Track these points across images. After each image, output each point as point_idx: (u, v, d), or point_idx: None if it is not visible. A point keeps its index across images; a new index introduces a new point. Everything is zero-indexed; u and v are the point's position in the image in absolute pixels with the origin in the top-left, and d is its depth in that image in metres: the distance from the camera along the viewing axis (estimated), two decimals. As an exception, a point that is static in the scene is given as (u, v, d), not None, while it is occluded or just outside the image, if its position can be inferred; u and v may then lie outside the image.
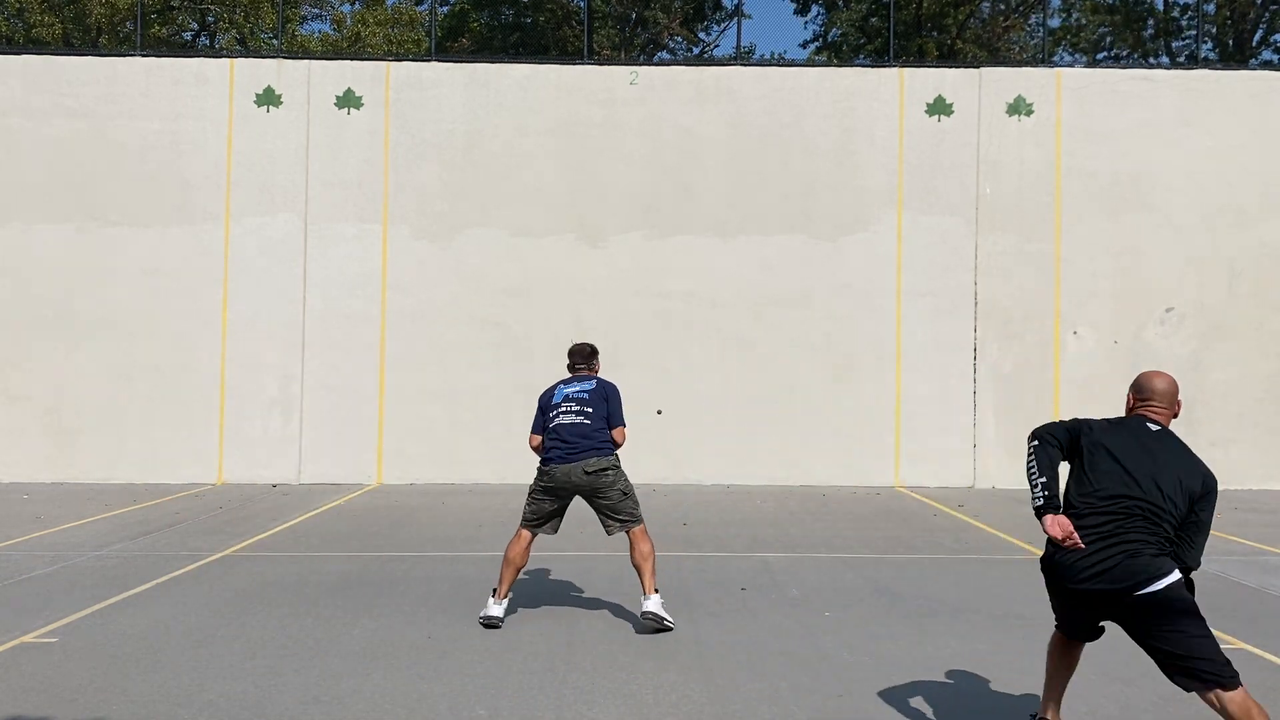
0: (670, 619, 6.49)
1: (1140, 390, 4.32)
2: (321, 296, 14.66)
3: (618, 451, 6.69)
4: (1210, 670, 3.87)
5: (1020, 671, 5.66)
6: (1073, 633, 4.39)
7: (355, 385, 14.61)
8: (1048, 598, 4.39)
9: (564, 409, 6.65)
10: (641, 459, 14.57)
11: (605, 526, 6.67)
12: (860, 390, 14.73)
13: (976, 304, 14.83)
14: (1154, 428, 4.22)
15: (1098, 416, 4.59)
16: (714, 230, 14.87)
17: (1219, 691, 3.88)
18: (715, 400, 14.69)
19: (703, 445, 14.61)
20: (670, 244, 14.87)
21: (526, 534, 6.64)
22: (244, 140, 14.74)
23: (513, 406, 14.21)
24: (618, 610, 7.03)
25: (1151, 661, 4.11)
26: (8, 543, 9.48)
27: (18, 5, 26.12)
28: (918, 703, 5.16)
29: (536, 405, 6.84)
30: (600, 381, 6.80)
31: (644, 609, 6.46)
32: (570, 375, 6.91)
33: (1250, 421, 14.75)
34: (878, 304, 14.81)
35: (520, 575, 7.05)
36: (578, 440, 6.53)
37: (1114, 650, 6.06)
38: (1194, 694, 4.48)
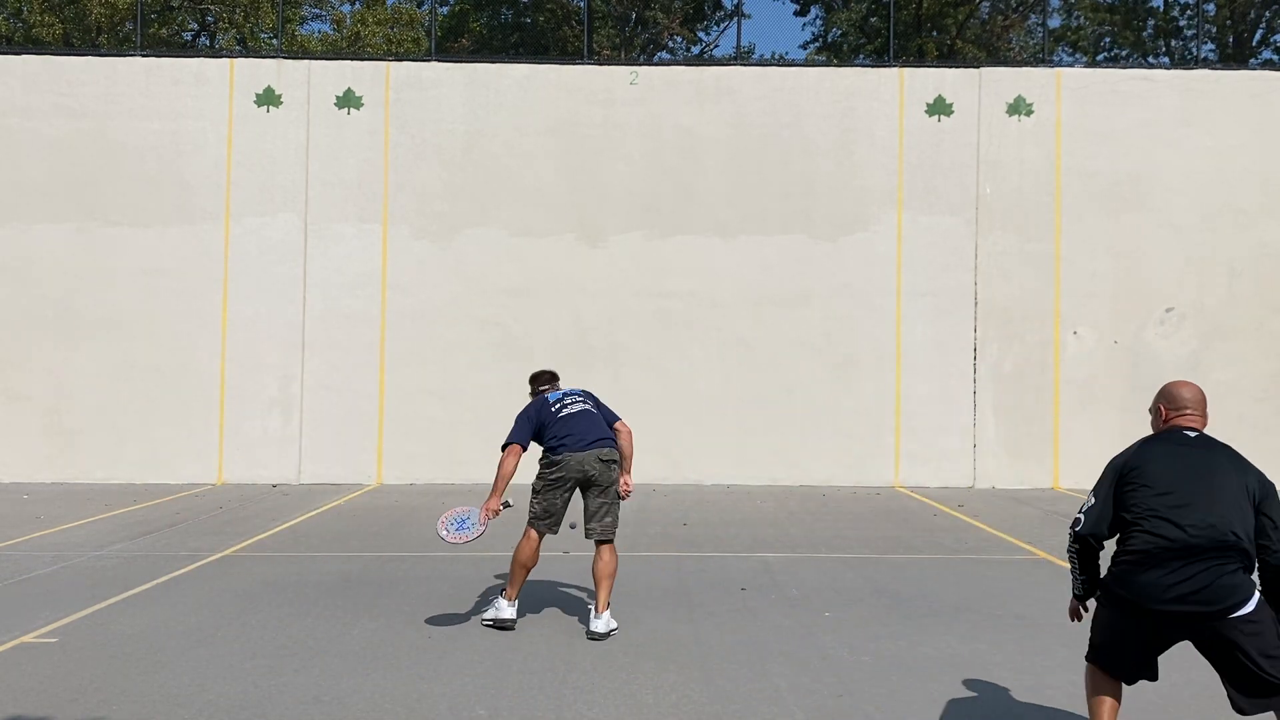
0: (615, 625, 6.43)
1: (1173, 400, 4.18)
2: (321, 296, 14.66)
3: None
4: None
5: (1020, 671, 5.66)
6: (1126, 669, 4.00)
7: (355, 385, 14.61)
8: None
9: (568, 404, 6.63)
10: (641, 459, 14.55)
11: (587, 528, 6.52)
12: (860, 390, 14.73)
13: (976, 304, 14.83)
14: (1192, 434, 4.08)
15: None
16: (714, 230, 14.87)
17: None
18: (715, 400, 14.69)
19: (703, 445, 14.61)
20: (670, 244, 14.87)
21: (536, 535, 6.53)
22: (244, 140, 14.74)
23: (513, 406, 14.12)
24: (618, 610, 7.02)
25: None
26: (8, 543, 9.48)
27: (17, 5, 26.12)
28: (918, 703, 5.16)
29: (520, 417, 6.64)
30: (585, 392, 6.85)
31: (592, 626, 6.34)
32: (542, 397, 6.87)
33: (1250, 422, 14.74)
34: (878, 304, 14.81)
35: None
36: (591, 429, 6.52)
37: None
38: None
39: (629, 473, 6.68)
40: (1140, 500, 3.91)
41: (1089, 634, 4.15)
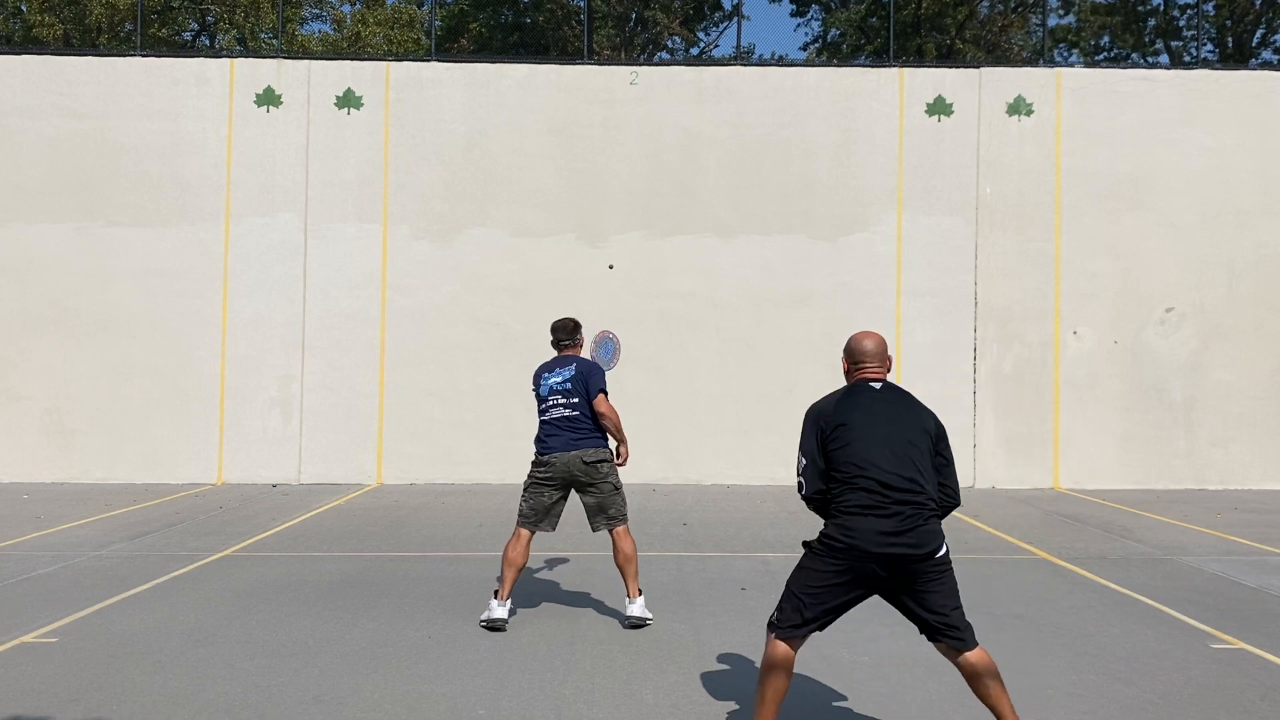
0: (650, 615, 6.65)
1: (853, 354, 4.52)
2: (321, 296, 14.66)
3: (616, 421, 6.71)
4: (970, 635, 4.25)
5: (1020, 671, 5.66)
6: (809, 620, 4.29)
7: (355, 385, 14.61)
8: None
9: (552, 403, 6.70)
10: (642, 459, 14.57)
11: (592, 524, 6.70)
12: (860, 390, 14.71)
13: (976, 304, 14.83)
14: (877, 386, 4.44)
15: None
16: (714, 230, 14.87)
17: (974, 651, 4.24)
18: (715, 400, 14.69)
19: (703, 445, 14.61)
20: (670, 244, 14.87)
21: (526, 533, 6.60)
22: (244, 140, 14.74)
23: (513, 406, 14.21)
24: (618, 610, 7.03)
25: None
26: (8, 543, 9.48)
27: (17, 5, 26.12)
28: (918, 703, 5.16)
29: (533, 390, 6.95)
30: (578, 365, 6.78)
31: (628, 612, 6.59)
32: (555, 355, 6.96)
33: (1250, 421, 14.75)
34: (878, 304, 14.80)
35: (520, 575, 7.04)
36: (573, 431, 6.59)
37: (1113, 649, 6.07)
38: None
39: (624, 442, 6.76)
40: (848, 458, 4.23)
41: (778, 605, 4.35)
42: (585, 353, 7.12)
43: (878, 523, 4.11)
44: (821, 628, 4.33)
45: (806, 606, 4.27)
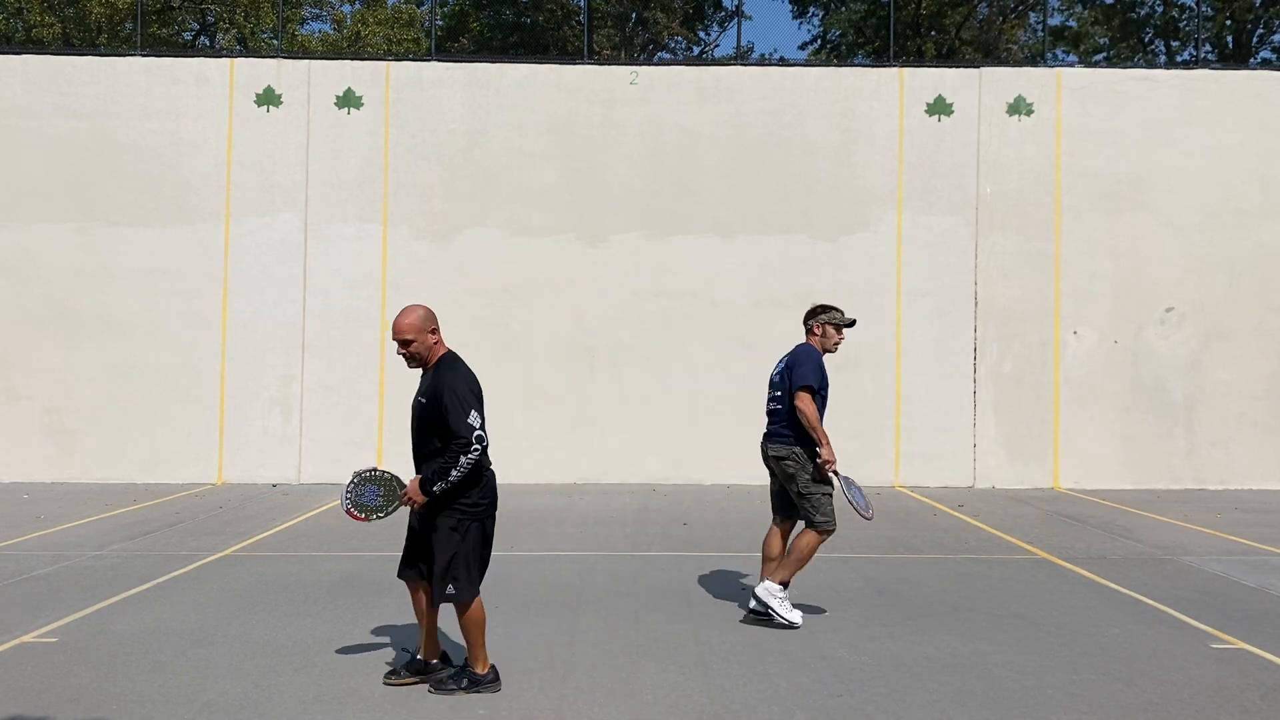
0: (780, 617, 6.47)
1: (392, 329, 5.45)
2: (321, 296, 14.66)
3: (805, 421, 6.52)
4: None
5: (1020, 671, 5.66)
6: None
7: (355, 385, 14.61)
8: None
9: (770, 395, 6.84)
10: (642, 459, 14.60)
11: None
12: (860, 390, 14.72)
13: (976, 304, 14.83)
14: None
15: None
16: (714, 230, 14.87)
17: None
18: (715, 400, 14.69)
19: (703, 445, 14.61)
20: (670, 244, 14.87)
21: (774, 528, 6.81)
22: (244, 140, 14.74)
23: (512, 407, 14.22)
24: (618, 610, 7.03)
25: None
26: (8, 543, 9.48)
27: (17, 5, 26.13)
28: (918, 703, 5.16)
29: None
30: (792, 356, 6.76)
31: (755, 591, 6.60)
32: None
33: (1250, 421, 14.75)
34: (878, 304, 14.80)
35: (517, 574, 7.03)
36: (774, 421, 6.74)
37: (1113, 649, 6.07)
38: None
39: (822, 443, 6.48)
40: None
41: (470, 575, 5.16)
42: (838, 485, 6.76)
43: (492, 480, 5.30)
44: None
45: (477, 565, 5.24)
